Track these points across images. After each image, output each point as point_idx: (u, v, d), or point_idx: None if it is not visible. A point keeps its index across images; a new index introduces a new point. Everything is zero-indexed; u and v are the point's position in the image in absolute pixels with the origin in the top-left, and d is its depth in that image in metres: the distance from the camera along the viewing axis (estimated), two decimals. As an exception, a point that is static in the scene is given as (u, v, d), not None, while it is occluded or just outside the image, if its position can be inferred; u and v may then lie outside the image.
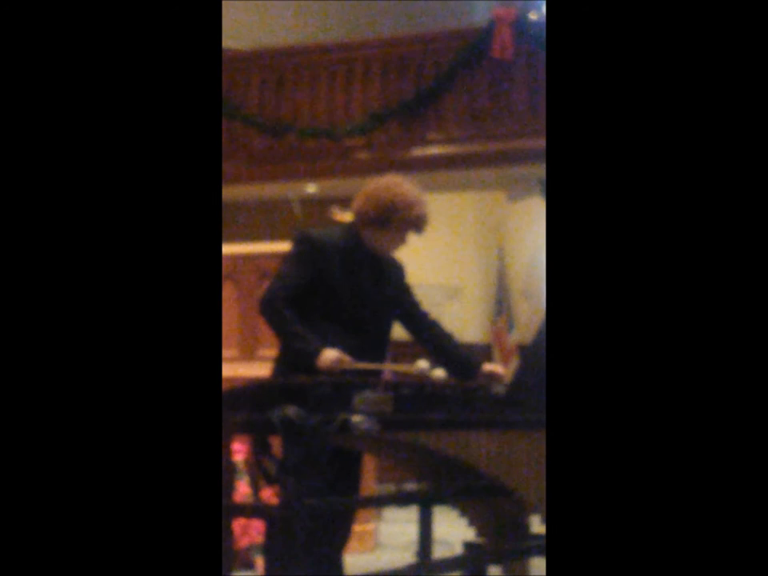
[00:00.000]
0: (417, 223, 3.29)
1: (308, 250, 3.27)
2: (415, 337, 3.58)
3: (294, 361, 3.18)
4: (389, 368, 3.25)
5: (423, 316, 3.54)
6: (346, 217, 3.50)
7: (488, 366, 3.40)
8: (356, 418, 2.68)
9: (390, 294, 3.42)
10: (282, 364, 3.28)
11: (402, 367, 3.29)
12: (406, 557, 3.78)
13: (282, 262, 3.35)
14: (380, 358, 3.39)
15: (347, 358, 3.03)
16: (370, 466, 4.87)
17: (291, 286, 3.22)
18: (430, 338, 3.52)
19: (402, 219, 3.26)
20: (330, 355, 3.03)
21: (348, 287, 3.27)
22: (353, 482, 3.37)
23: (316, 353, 3.05)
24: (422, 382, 3.01)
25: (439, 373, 3.21)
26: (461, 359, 3.44)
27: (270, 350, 4.40)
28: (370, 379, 2.89)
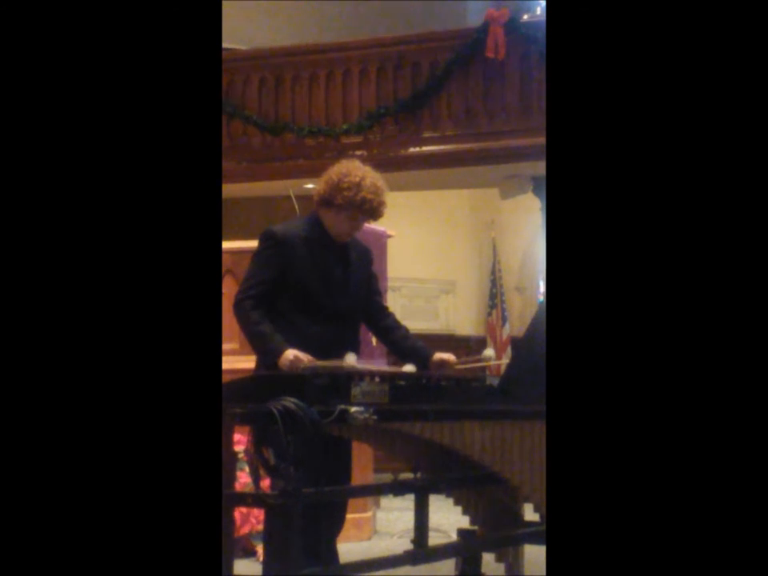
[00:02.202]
0: (363, 205, 3.30)
1: (272, 246, 3.32)
2: (369, 325, 3.63)
3: (259, 360, 3.27)
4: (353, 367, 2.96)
5: (380, 306, 3.60)
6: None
7: (438, 355, 3.45)
8: (353, 409, 2.74)
9: (358, 278, 3.46)
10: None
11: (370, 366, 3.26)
12: (403, 544, 3.83)
13: (250, 261, 3.39)
14: (354, 345, 3.42)
15: (307, 358, 3.06)
16: (367, 455, 4.93)
17: (258, 284, 3.29)
18: (384, 328, 3.58)
19: (347, 199, 3.29)
20: (288, 355, 3.09)
21: (316, 275, 3.32)
22: (345, 471, 3.43)
23: (278, 353, 3.12)
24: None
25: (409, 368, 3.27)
26: (414, 350, 3.50)
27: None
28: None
